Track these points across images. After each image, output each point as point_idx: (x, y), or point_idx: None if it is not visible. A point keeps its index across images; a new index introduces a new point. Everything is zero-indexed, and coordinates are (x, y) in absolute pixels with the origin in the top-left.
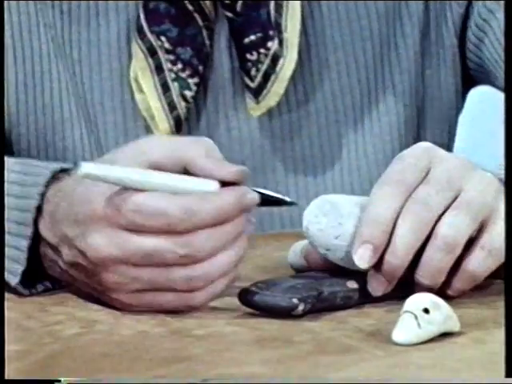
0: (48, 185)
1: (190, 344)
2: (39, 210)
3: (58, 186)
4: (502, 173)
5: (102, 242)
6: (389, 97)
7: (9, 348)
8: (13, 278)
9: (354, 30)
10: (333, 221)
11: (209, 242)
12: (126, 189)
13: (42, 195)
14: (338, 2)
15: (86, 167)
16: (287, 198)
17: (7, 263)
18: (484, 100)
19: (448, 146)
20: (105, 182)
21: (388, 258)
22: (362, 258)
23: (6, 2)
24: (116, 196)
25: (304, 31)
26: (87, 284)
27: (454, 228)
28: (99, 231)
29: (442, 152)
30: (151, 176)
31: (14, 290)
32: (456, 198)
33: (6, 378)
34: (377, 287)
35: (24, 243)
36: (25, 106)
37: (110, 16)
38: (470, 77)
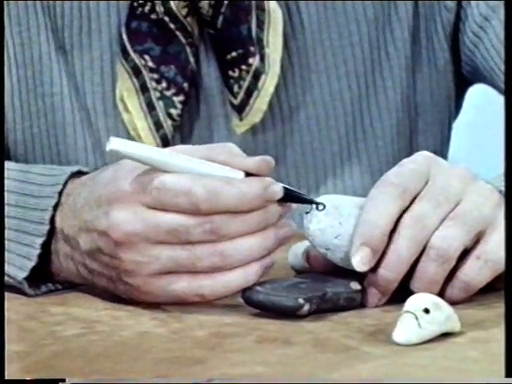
0: (66, 184)
1: (190, 344)
2: (56, 208)
3: (79, 180)
4: (502, 185)
5: (125, 218)
6: (380, 102)
7: (9, 348)
8: (20, 273)
9: (343, 35)
10: (333, 220)
11: (231, 225)
12: (152, 169)
13: (60, 193)
14: (327, 6)
15: (115, 143)
16: (312, 198)
17: (16, 260)
18: (482, 104)
19: (442, 151)
20: (132, 159)
21: (382, 271)
22: (361, 261)
23: (6, 5)
24: (142, 175)
25: (293, 36)
26: (103, 274)
27: (447, 240)
28: (123, 208)
29: (442, 162)
30: (179, 158)
31: (16, 290)
32: (453, 209)
33: (7, 378)
34: (371, 300)
35: (38, 240)
36: (20, 111)
37: (101, 21)
38: (466, 78)
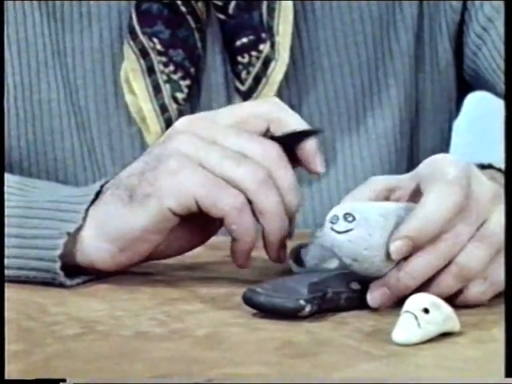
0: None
1: (189, 345)
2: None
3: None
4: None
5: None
6: (383, 101)
7: (9, 348)
8: (55, 252)
9: (347, 34)
10: (363, 232)
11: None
12: None
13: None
14: (332, 5)
15: None
16: (310, 128)
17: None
18: (481, 106)
19: (441, 151)
20: None
21: (404, 277)
22: (398, 251)
23: (4, 12)
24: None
25: (297, 34)
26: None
27: (472, 260)
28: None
29: (477, 173)
30: None
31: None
32: (480, 227)
33: (6, 378)
34: (379, 299)
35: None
36: (15, 118)
37: (102, 23)
38: (467, 83)
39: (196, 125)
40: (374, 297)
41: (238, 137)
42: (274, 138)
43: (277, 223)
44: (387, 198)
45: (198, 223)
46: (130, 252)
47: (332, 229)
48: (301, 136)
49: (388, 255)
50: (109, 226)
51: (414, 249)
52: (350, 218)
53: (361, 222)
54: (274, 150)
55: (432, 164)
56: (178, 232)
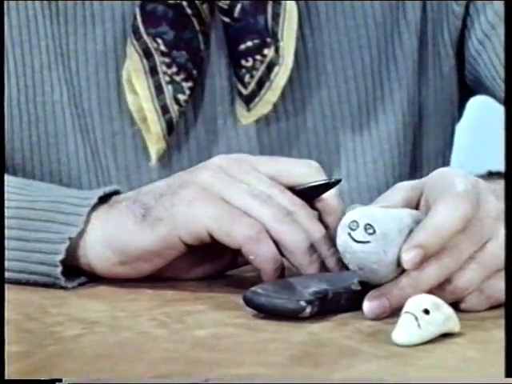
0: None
1: (189, 345)
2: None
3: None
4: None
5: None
6: (387, 105)
7: (9, 349)
8: (57, 257)
9: (351, 38)
10: (379, 247)
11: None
12: None
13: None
14: (336, 9)
15: None
16: (330, 179)
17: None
18: (483, 110)
19: (444, 155)
20: None
21: (408, 286)
22: (411, 261)
23: (7, 15)
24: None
25: (302, 38)
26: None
27: (467, 282)
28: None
29: (485, 190)
30: None
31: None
32: (481, 247)
33: (6, 378)
34: (377, 311)
35: (84, 210)
36: (19, 120)
37: (106, 26)
38: (469, 87)
39: (231, 165)
40: (371, 309)
41: (269, 187)
42: (293, 191)
43: (306, 261)
44: (417, 205)
45: (212, 253)
46: (130, 267)
47: (349, 234)
48: (320, 188)
49: (395, 268)
50: (116, 237)
51: (427, 256)
52: (371, 231)
53: (379, 237)
54: (303, 207)
55: (441, 177)
56: (190, 258)
